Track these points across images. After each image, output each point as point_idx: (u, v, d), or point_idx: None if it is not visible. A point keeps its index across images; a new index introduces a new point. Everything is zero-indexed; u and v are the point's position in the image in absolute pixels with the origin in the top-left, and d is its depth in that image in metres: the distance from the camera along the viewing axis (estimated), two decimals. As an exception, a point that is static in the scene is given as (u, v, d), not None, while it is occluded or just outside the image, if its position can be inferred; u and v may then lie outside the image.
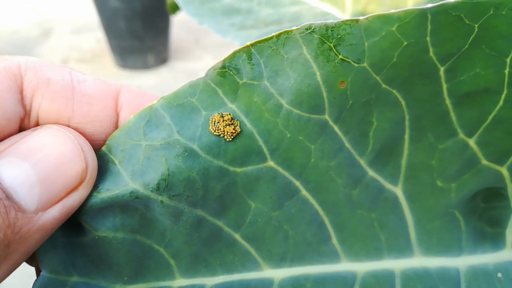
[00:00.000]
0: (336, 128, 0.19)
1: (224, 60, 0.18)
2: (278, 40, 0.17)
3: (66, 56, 1.70)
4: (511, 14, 0.16)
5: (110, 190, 0.18)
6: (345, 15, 0.54)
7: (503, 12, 0.16)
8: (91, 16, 1.75)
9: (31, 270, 0.20)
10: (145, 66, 1.63)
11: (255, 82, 0.18)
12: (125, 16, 1.50)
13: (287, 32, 0.17)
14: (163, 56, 1.66)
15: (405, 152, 0.20)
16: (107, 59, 1.69)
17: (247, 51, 0.18)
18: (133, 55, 1.60)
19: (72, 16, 2.00)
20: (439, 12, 0.16)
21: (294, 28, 0.17)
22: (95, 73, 1.62)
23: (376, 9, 0.54)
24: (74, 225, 0.19)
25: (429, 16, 0.16)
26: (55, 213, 0.17)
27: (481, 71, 0.18)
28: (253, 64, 0.18)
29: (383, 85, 0.18)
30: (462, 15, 0.16)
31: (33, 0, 2.16)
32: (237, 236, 0.20)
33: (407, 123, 0.19)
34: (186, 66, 1.67)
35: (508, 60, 0.17)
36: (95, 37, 1.81)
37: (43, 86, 0.18)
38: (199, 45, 1.78)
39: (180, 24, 1.81)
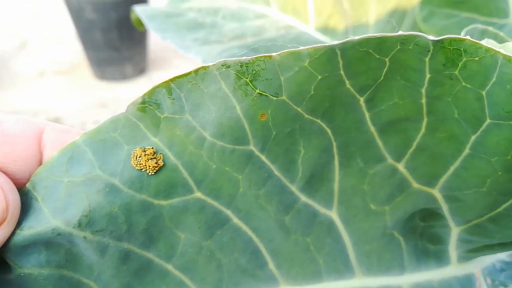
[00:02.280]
0: (263, 158, 0.19)
1: (143, 96, 0.18)
2: (196, 75, 0.18)
3: (43, 68, 1.68)
4: (418, 49, 0.16)
5: (32, 228, 0.18)
6: (309, 27, 0.54)
7: (410, 47, 0.16)
8: (68, 28, 1.74)
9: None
10: (123, 76, 1.63)
11: (177, 116, 0.18)
12: (101, 28, 1.49)
13: (204, 67, 0.17)
14: (141, 66, 1.66)
15: (337, 177, 0.20)
16: (85, 71, 1.68)
17: (167, 86, 0.18)
18: (111, 66, 1.60)
19: (48, 28, 1.98)
20: (347, 48, 0.16)
21: (210, 64, 0.17)
22: (73, 84, 1.61)
23: (339, 21, 0.54)
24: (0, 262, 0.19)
25: (338, 52, 0.16)
26: None
27: (399, 101, 0.18)
28: (173, 99, 0.18)
29: (306, 115, 0.19)
30: (370, 50, 0.16)
31: (8, 12, 2.14)
32: (169, 267, 0.20)
33: (335, 150, 0.20)
34: (164, 75, 1.66)
35: (423, 90, 0.18)
36: (72, 49, 1.80)
37: None
38: (177, 54, 1.78)
39: (158, 33, 1.80)
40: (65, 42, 1.84)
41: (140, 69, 1.66)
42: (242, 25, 0.57)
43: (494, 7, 0.43)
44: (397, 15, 0.52)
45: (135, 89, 1.58)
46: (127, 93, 1.56)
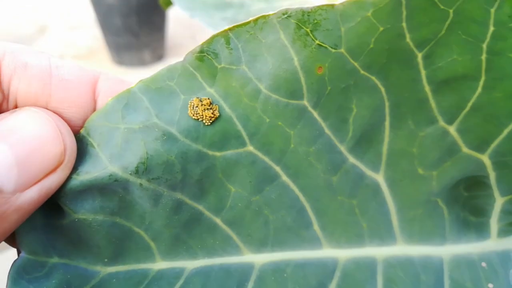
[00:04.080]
0: (315, 114, 0.19)
1: (202, 45, 0.18)
2: (255, 25, 0.18)
3: (62, 53, 1.69)
4: None
5: (89, 173, 0.18)
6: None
7: None
8: (87, 13, 1.74)
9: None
10: (141, 62, 1.63)
11: (234, 67, 0.18)
12: (120, 13, 1.50)
13: (264, 16, 0.17)
14: (159, 52, 1.66)
15: (386, 139, 0.20)
16: (103, 56, 1.68)
17: (225, 36, 0.18)
18: (129, 51, 1.60)
19: (68, 12, 1.99)
20: None
21: (271, 12, 0.17)
22: (91, 69, 1.61)
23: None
24: (53, 207, 0.19)
25: (403, 1, 0.16)
26: (33, 194, 0.17)
27: (458, 57, 0.18)
28: (231, 49, 0.18)
29: (362, 71, 0.18)
30: (435, 0, 0.16)
31: (29, -3, 2.16)
32: (217, 220, 0.20)
33: (387, 110, 0.19)
34: (182, 63, 1.66)
35: (484, 45, 0.17)
36: (91, 34, 1.81)
37: (20, 70, 0.18)
38: (195, 42, 1.78)
39: (177, 20, 1.80)
40: (84, 27, 1.85)
41: (158, 55, 1.66)
42: (270, 6, 0.57)
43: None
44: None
45: (152, 75, 1.58)
46: (144, 79, 1.56)
